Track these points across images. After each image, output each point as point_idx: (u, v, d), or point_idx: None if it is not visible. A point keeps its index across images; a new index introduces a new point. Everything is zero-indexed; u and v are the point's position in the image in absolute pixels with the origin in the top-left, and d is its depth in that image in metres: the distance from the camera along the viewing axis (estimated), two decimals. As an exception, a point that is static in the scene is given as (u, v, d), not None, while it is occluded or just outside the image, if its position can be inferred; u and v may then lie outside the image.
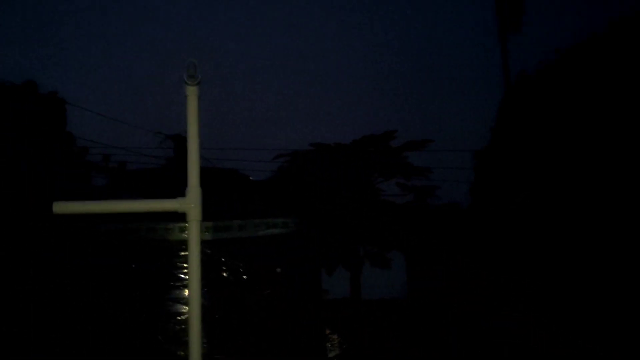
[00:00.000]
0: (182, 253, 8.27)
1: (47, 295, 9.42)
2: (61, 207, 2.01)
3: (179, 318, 8.14)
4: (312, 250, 10.65)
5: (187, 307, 7.54)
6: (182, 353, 7.84)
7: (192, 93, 2.29)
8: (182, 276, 8.28)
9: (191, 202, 2.24)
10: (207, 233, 8.51)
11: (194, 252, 2.18)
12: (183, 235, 8.24)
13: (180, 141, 19.56)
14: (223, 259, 8.70)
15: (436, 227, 18.00)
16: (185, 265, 8.30)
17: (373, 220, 18.55)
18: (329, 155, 20.09)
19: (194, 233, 2.20)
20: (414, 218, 18.80)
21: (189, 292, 2.18)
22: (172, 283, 8.31)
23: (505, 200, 15.52)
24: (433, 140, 20.89)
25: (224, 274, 8.65)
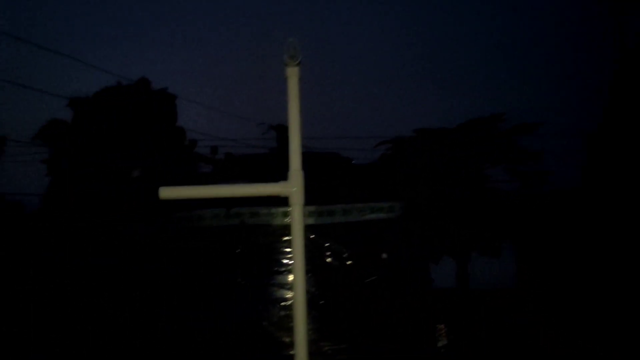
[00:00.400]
0: (286, 238, 8.45)
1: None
2: (167, 192, 2.09)
3: (283, 304, 8.34)
4: (418, 237, 10.52)
5: (291, 293, 7.68)
6: (287, 339, 8.03)
7: (292, 74, 2.29)
8: (286, 261, 8.47)
9: (293, 186, 2.25)
10: (310, 217, 8.62)
11: (297, 237, 2.19)
12: (286, 219, 8.42)
13: (283, 131, 20.00)
14: (327, 244, 8.79)
15: (546, 214, 17.23)
16: (288, 250, 8.48)
17: (481, 208, 18.03)
18: (433, 141, 19.72)
19: (296, 217, 2.21)
20: (524, 205, 18.08)
21: (293, 277, 2.20)
22: (275, 268, 8.52)
23: (616, 185, 14.53)
24: (543, 123, 19.92)
25: (328, 259, 8.75)
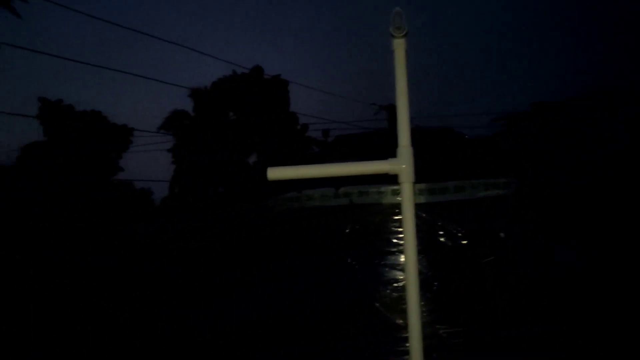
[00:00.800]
0: (396, 217, 8.44)
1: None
2: (275, 173, 2.15)
3: (395, 285, 8.35)
4: (539, 214, 10.12)
5: (403, 274, 7.66)
6: (401, 321, 8.05)
7: (399, 46, 2.25)
8: (397, 241, 8.45)
9: (402, 163, 2.22)
10: (421, 195, 8.54)
11: (408, 216, 2.17)
12: (396, 198, 8.39)
13: (394, 111, 20.06)
14: (439, 223, 8.67)
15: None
16: (399, 229, 8.45)
17: (606, 184, 17.04)
18: (551, 114, 18.88)
19: (407, 196, 2.19)
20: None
21: (404, 257, 2.20)
22: (386, 248, 8.53)
23: None
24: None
25: (441, 239, 8.64)
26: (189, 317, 9.44)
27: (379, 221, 8.78)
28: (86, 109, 31.20)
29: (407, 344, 2.21)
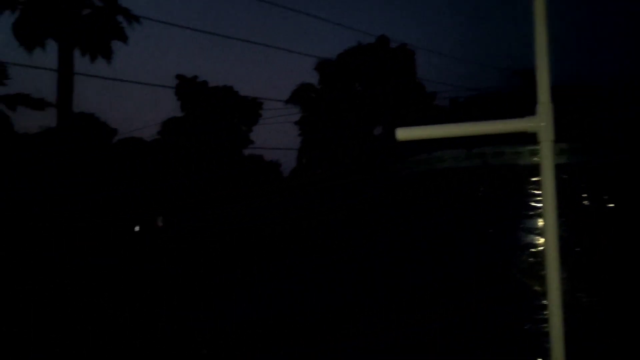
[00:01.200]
0: (534, 179, 8.09)
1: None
2: (404, 133, 2.14)
3: (532, 250, 8.07)
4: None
5: (541, 238, 7.39)
6: (539, 288, 7.80)
7: (538, -7, 2.15)
8: (535, 204, 8.13)
9: (542, 121, 2.13)
10: (562, 156, 8.13)
11: (547, 178, 2.08)
12: (534, 159, 8.04)
13: (528, 76, 19.17)
14: (583, 185, 8.23)
15: None
16: (537, 192, 8.11)
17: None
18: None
19: (546, 156, 2.10)
20: None
21: (543, 221, 2.12)
22: (523, 212, 8.24)
23: None
24: None
25: (585, 202, 8.20)
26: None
27: (516, 183, 8.48)
28: (218, 84, 32.83)
29: (546, 312, 2.14)
